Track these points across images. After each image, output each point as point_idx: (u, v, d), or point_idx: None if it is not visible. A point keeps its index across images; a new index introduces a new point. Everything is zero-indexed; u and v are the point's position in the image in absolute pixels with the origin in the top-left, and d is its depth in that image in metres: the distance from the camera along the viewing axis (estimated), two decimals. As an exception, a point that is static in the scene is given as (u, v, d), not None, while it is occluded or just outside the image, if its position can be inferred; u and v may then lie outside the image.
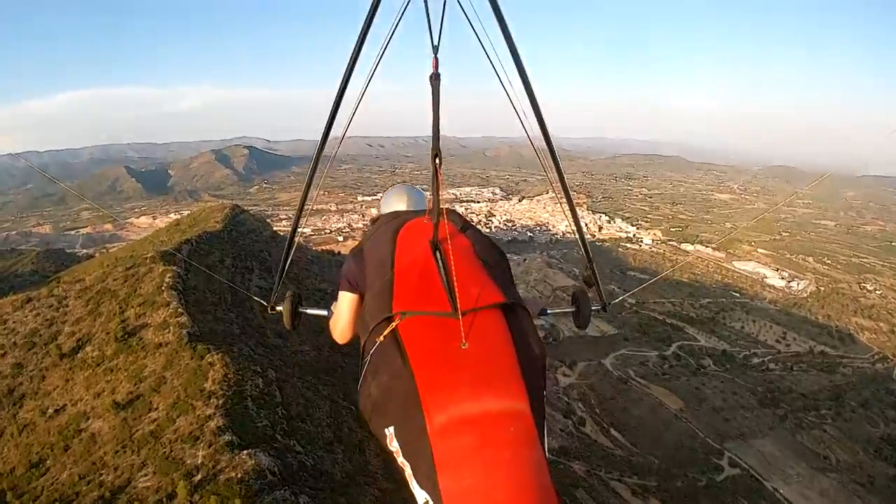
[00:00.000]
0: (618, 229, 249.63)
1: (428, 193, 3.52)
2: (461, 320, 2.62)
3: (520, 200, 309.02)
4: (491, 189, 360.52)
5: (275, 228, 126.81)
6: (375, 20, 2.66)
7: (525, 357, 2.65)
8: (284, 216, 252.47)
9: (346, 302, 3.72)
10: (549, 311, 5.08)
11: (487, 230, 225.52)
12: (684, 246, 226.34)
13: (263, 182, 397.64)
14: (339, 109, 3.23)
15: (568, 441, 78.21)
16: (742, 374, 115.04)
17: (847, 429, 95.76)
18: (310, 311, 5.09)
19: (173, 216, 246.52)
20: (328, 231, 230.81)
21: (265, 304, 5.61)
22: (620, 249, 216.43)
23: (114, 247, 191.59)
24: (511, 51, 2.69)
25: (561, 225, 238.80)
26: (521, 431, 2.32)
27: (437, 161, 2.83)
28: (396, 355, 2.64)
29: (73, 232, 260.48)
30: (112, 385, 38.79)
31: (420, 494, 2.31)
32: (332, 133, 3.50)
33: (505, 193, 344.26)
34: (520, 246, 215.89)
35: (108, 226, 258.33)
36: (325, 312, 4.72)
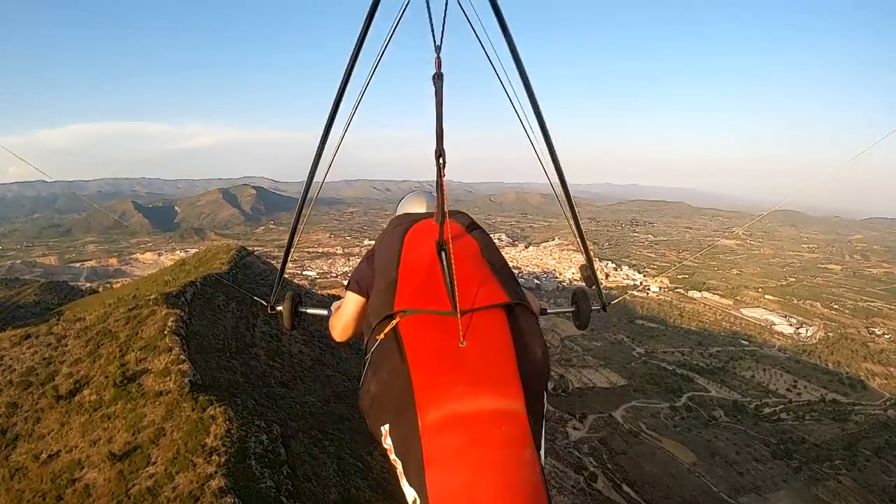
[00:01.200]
0: (624, 277, 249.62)
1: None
2: (460, 319, 2.64)
3: (526, 247, 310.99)
4: (497, 235, 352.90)
5: None
6: (375, 20, 2.67)
7: (525, 357, 2.65)
8: (291, 259, 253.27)
9: (351, 302, 3.79)
10: (549, 311, 5.01)
11: None
12: (692, 293, 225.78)
13: (270, 223, 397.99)
14: (339, 108, 3.17)
15: (580, 499, 75.59)
16: (754, 426, 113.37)
17: (862, 479, 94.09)
18: (310, 311, 5.17)
19: (179, 253, 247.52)
20: (334, 275, 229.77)
21: (265, 303, 5.59)
22: (627, 297, 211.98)
23: (118, 282, 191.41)
24: (511, 51, 2.69)
25: (568, 272, 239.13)
26: (513, 432, 2.34)
27: (441, 161, 2.69)
28: (395, 353, 2.67)
29: (77, 265, 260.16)
30: (109, 433, 36.81)
31: (409, 493, 2.34)
32: (334, 131, 3.40)
33: (511, 240, 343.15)
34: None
35: (113, 260, 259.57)
36: (325, 312, 4.74)
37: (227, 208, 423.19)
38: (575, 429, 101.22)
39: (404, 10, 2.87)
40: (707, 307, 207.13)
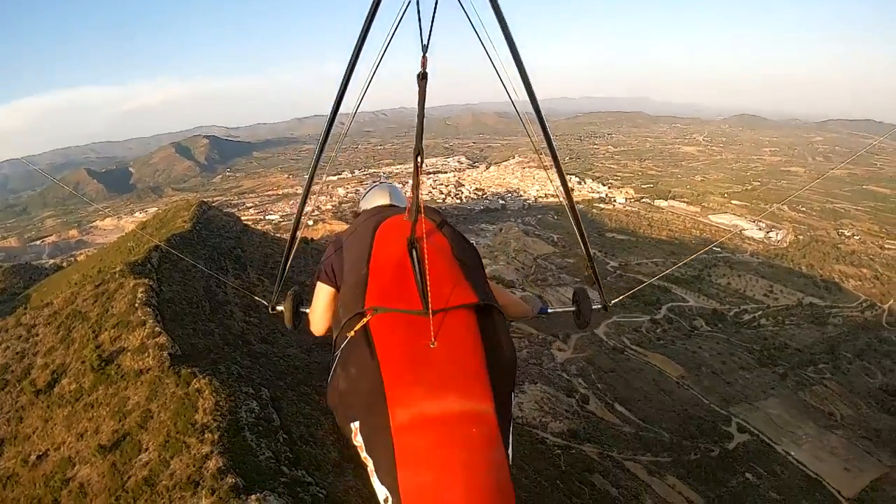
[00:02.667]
0: (590, 190, 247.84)
1: (407, 188, 3.46)
2: (431, 319, 2.66)
3: (487, 168, 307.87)
4: (456, 158, 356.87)
5: (244, 219, 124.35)
6: (376, 20, 2.66)
7: (494, 358, 2.71)
8: (251, 204, 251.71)
9: (322, 294, 3.80)
10: (549, 311, 5.13)
11: (458, 201, 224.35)
12: (658, 202, 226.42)
13: (226, 171, 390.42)
14: (340, 109, 3.21)
15: (575, 422, 75.87)
16: (736, 333, 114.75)
17: (846, 382, 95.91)
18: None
19: (138, 215, 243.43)
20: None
21: (266, 304, 5.54)
22: (595, 210, 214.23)
23: (81, 253, 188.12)
24: (505, 36, 2.60)
25: (532, 189, 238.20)
26: (482, 433, 2.39)
27: (420, 159, 2.81)
28: (365, 350, 2.71)
29: (38, 242, 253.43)
30: (95, 423, 35.37)
31: (381, 491, 2.40)
32: (335, 129, 3.56)
33: (471, 162, 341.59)
34: (493, 215, 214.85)
35: (74, 232, 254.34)
36: None
37: (181, 162, 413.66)
38: (560, 350, 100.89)
39: (405, 9, 2.64)
40: (675, 216, 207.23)
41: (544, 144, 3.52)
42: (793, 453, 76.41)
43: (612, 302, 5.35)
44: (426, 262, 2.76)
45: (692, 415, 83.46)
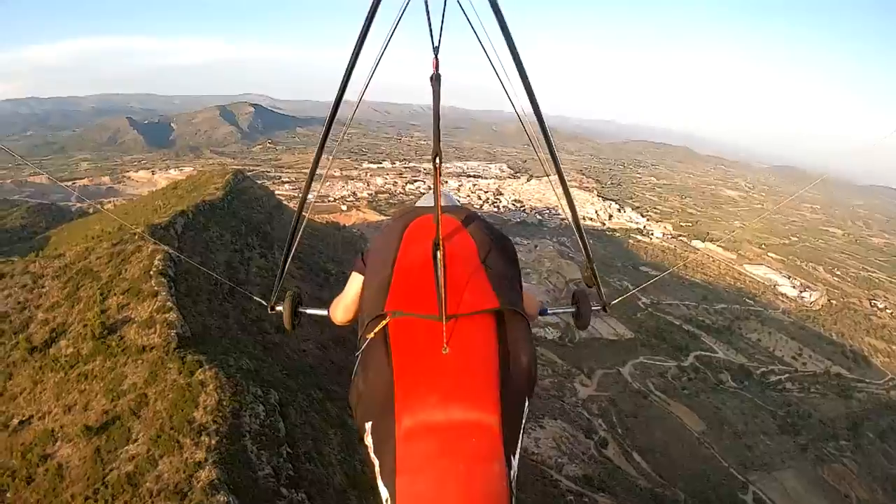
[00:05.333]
0: (628, 219, 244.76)
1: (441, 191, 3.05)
2: (445, 325, 2.62)
3: (528, 180, 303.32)
4: (498, 165, 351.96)
5: (277, 194, 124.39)
6: (375, 20, 2.71)
7: (508, 367, 2.65)
8: (287, 179, 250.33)
9: (355, 283, 3.84)
10: (549, 311, 5.03)
11: (495, 210, 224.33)
12: (695, 243, 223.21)
13: (268, 141, 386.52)
14: (339, 109, 3.32)
15: (592, 468, 73.53)
16: (761, 394, 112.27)
17: (866, 463, 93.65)
18: (310, 312, 5.00)
19: (173, 172, 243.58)
20: (332, 199, 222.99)
21: (265, 303, 5.34)
22: (631, 241, 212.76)
23: (109, 202, 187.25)
24: (510, 47, 2.68)
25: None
26: (483, 444, 2.34)
27: (438, 161, 2.76)
28: (382, 354, 2.69)
29: (69, 183, 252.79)
30: (86, 397, 33.05)
31: (383, 491, 2.38)
32: (335, 128, 3.57)
33: (513, 171, 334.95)
34: (530, 229, 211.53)
35: (105, 178, 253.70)
36: (325, 312, 4.67)
37: (224, 126, 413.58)
38: (583, 385, 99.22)
39: (404, 9, 2.81)
40: (711, 259, 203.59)
41: (545, 151, 3.57)
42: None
43: (612, 303, 5.26)
44: (445, 265, 2.78)
45: (709, 477, 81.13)
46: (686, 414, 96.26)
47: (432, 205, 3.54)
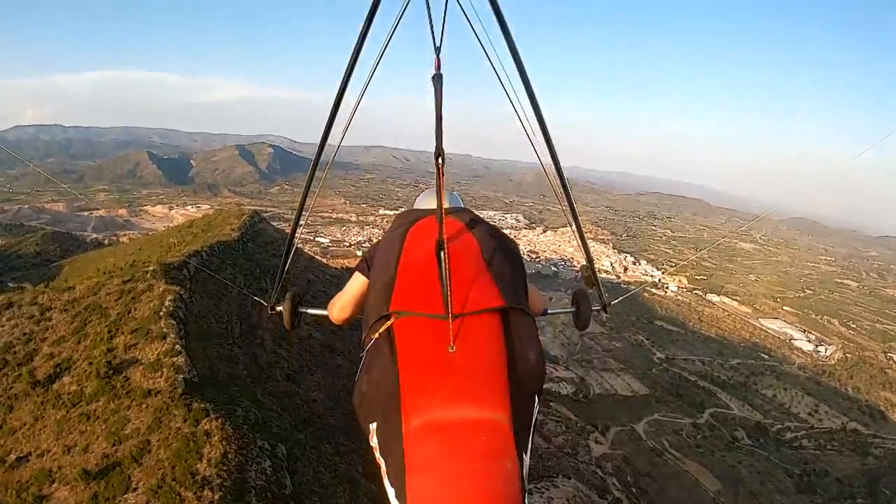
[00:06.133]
0: (643, 272, 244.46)
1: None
2: (451, 324, 2.65)
3: (544, 231, 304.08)
4: (514, 215, 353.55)
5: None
6: (376, 20, 2.69)
7: (516, 364, 2.66)
8: (303, 222, 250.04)
9: (356, 283, 3.86)
10: (549, 311, 4.95)
11: None
12: (710, 296, 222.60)
13: (285, 183, 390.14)
14: (339, 109, 3.23)
15: (605, 529, 71.30)
16: (777, 451, 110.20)
17: None
18: (311, 312, 5.01)
19: (190, 208, 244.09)
20: (347, 244, 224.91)
21: (264, 303, 5.47)
22: (646, 295, 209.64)
23: (125, 234, 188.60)
24: (512, 52, 2.69)
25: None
26: (494, 443, 2.36)
27: (440, 161, 2.72)
28: (387, 354, 2.69)
29: (86, 213, 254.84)
30: (86, 439, 31.99)
31: (390, 492, 2.39)
32: (338, 127, 3.50)
33: (528, 221, 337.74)
34: (544, 281, 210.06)
35: (123, 211, 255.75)
36: (325, 312, 4.61)
37: (242, 165, 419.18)
38: (597, 442, 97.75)
39: (404, 9, 2.90)
40: (726, 313, 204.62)
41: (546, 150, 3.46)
42: None
43: (612, 303, 5.40)
44: (450, 265, 2.76)
45: (725, 539, 78.28)
46: (701, 473, 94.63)
47: (434, 205, 3.59)
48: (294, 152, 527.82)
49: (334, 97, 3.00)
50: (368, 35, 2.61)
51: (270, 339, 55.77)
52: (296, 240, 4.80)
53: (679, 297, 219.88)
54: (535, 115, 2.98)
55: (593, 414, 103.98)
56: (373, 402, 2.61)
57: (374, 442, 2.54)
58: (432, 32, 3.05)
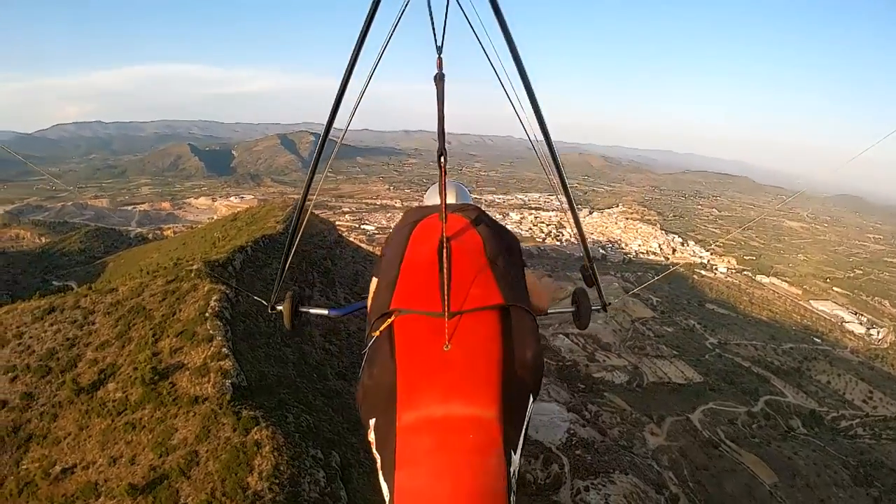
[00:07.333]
0: (692, 254, 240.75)
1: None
2: (447, 322, 2.67)
3: (590, 213, 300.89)
4: (560, 196, 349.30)
5: (337, 224, 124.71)
6: (376, 20, 2.79)
7: (511, 363, 2.66)
8: (348, 209, 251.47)
9: (373, 284, 3.75)
10: (549, 312, 4.75)
11: (558, 243, 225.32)
12: (760, 278, 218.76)
13: (328, 171, 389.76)
14: (340, 108, 3.36)
15: (663, 528, 70.28)
16: (832, 441, 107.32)
17: None
18: (312, 311, 5.00)
19: (234, 199, 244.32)
20: (390, 228, 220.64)
21: (265, 303, 5.42)
22: (696, 277, 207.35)
23: (169, 228, 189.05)
24: (511, 50, 2.81)
25: (633, 243, 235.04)
26: (482, 439, 2.38)
27: (443, 160, 2.79)
28: (387, 351, 2.71)
29: (129, 208, 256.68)
30: (133, 450, 30.94)
31: (384, 487, 2.44)
32: (339, 125, 3.70)
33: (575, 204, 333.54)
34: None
35: (166, 204, 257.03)
36: (325, 312, 4.88)
37: (284, 154, 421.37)
38: (653, 434, 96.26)
39: (404, 9, 3.03)
40: (776, 295, 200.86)
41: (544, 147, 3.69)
42: None
43: (611, 303, 5.45)
44: (452, 262, 2.82)
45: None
46: (757, 465, 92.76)
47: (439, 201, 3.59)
48: (335, 139, 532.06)
49: (334, 98, 3.09)
50: (367, 35, 2.74)
51: (320, 336, 54.65)
52: (296, 240, 4.63)
53: (729, 278, 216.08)
54: (536, 116, 3.21)
55: (648, 404, 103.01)
56: (373, 398, 2.61)
57: (371, 437, 2.57)
58: (434, 32, 2.99)
